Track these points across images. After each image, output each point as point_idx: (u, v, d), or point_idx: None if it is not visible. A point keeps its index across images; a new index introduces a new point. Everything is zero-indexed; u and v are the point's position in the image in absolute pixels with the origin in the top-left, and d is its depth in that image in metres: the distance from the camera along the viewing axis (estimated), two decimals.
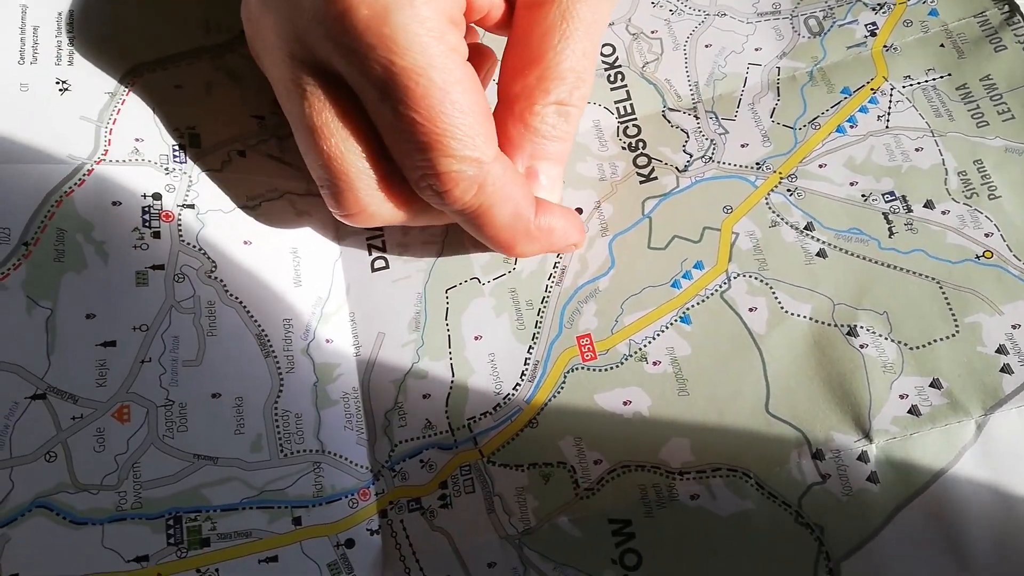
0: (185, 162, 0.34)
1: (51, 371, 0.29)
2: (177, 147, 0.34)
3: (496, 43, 0.33)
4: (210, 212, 0.33)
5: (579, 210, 0.35)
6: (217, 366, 0.31)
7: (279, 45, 0.28)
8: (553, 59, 0.30)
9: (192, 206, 0.33)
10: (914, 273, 0.31)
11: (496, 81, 0.32)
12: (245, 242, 0.33)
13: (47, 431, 0.28)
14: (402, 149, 0.28)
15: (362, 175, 0.29)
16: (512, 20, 0.31)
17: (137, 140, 0.33)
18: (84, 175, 0.32)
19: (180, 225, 0.33)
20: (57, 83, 0.33)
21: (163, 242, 0.32)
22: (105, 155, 0.32)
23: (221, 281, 0.32)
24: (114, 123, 0.33)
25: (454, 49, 0.27)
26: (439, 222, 0.33)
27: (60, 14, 0.34)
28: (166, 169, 0.33)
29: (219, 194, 0.34)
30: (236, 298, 0.32)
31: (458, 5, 0.28)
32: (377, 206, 0.30)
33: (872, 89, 0.34)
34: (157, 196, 0.33)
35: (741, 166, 0.34)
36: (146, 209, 0.32)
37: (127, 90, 0.34)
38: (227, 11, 0.37)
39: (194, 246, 0.32)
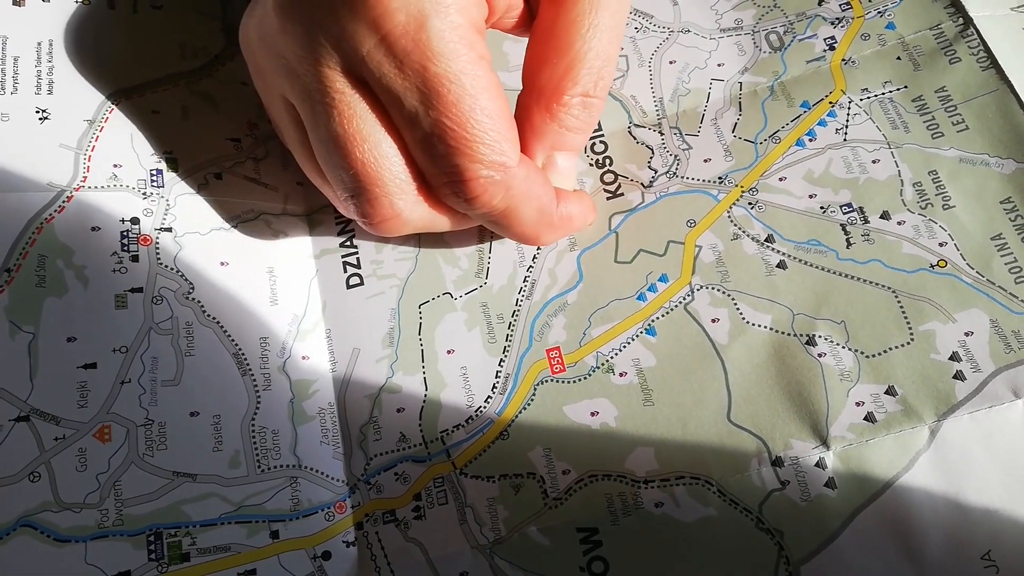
0: (163, 186, 0.35)
1: (34, 394, 0.30)
2: (155, 171, 0.35)
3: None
4: (187, 234, 0.34)
5: None
6: (195, 385, 0.32)
7: (305, 55, 0.28)
8: (581, 48, 0.30)
9: (170, 229, 0.34)
10: (871, 283, 0.32)
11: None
12: (222, 263, 0.34)
13: (31, 452, 0.29)
14: (430, 156, 0.28)
15: (395, 179, 0.29)
16: (537, 12, 0.31)
17: (115, 166, 0.34)
18: (64, 202, 0.32)
19: (158, 248, 0.33)
20: (37, 112, 0.34)
21: (141, 265, 0.33)
22: (84, 182, 0.33)
23: (199, 302, 0.33)
24: (93, 150, 0.34)
25: (482, 56, 0.28)
26: (467, 225, 0.33)
27: (40, 44, 0.35)
28: (144, 194, 0.34)
29: (196, 216, 0.35)
30: (213, 318, 0.33)
31: (482, 13, 0.29)
32: (410, 211, 0.30)
33: (831, 103, 0.35)
34: (135, 220, 0.34)
35: (704, 181, 0.35)
36: (124, 233, 0.33)
37: (105, 117, 0.35)
38: (202, 36, 0.38)
39: (172, 268, 0.33)
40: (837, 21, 0.37)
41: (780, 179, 0.34)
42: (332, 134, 0.29)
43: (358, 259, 0.36)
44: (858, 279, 0.32)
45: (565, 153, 0.33)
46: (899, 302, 0.31)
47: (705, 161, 0.35)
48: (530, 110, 0.31)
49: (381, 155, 0.29)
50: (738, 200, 0.34)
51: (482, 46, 0.28)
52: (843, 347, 0.31)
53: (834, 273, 0.32)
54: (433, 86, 0.27)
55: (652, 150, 0.36)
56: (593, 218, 0.35)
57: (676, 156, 0.36)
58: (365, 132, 0.29)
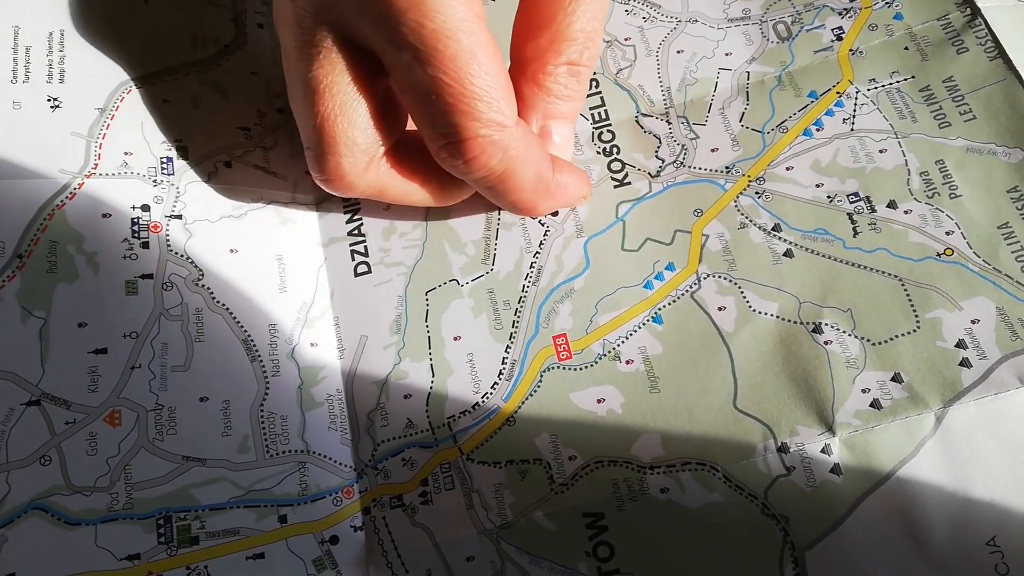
0: (173, 174, 0.35)
1: (45, 378, 0.30)
2: (165, 159, 0.35)
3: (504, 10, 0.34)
4: (197, 222, 0.34)
5: (555, 212, 0.36)
6: (205, 371, 0.32)
7: (306, 5, 0.29)
8: (564, 20, 0.31)
9: (180, 217, 0.34)
10: (877, 271, 0.32)
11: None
12: (231, 250, 0.35)
13: (42, 436, 0.30)
14: (427, 115, 0.29)
15: (349, 142, 0.30)
16: None
17: (126, 154, 0.34)
18: (75, 189, 0.33)
19: (168, 235, 0.34)
20: (49, 100, 0.34)
21: (152, 252, 0.33)
22: (95, 169, 0.33)
23: (208, 289, 0.33)
24: (104, 138, 0.34)
25: (479, 15, 0.28)
26: (416, 201, 0.34)
27: (51, 33, 0.35)
28: (154, 181, 0.34)
29: (206, 204, 0.35)
30: (223, 305, 0.33)
31: None
32: (358, 176, 0.31)
33: (838, 92, 0.35)
34: (146, 208, 0.34)
35: (711, 170, 0.35)
36: (135, 220, 0.33)
37: (116, 105, 0.35)
38: (213, 25, 0.38)
39: (182, 255, 0.34)
40: (845, 11, 0.37)
41: (787, 168, 0.35)
42: (305, 84, 0.30)
43: (366, 247, 0.36)
44: (865, 267, 0.32)
45: (560, 123, 0.34)
46: (905, 290, 0.32)
47: (712, 150, 0.36)
48: (517, 82, 0.32)
49: (343, 115, 0.30)
50: (745, 189, 0.35)
51: (478, 4, 0.28)
52: (849, 335, 0.31)
53: (841, 262, 0.33)
54: (430, 43, 0.27)
55: (659, 139, 0.36)
56: (588, 191, 0.35)
57: (683, 145, 0.36)
58: (336, 90, 0.29)
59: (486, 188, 0.31)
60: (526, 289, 0.35)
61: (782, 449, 0.30)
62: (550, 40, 0.31)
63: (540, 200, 0.33)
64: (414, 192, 0.33)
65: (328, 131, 0.30)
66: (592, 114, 0.37)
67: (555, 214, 0.36)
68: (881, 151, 0.34)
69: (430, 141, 0.30)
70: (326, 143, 0.30)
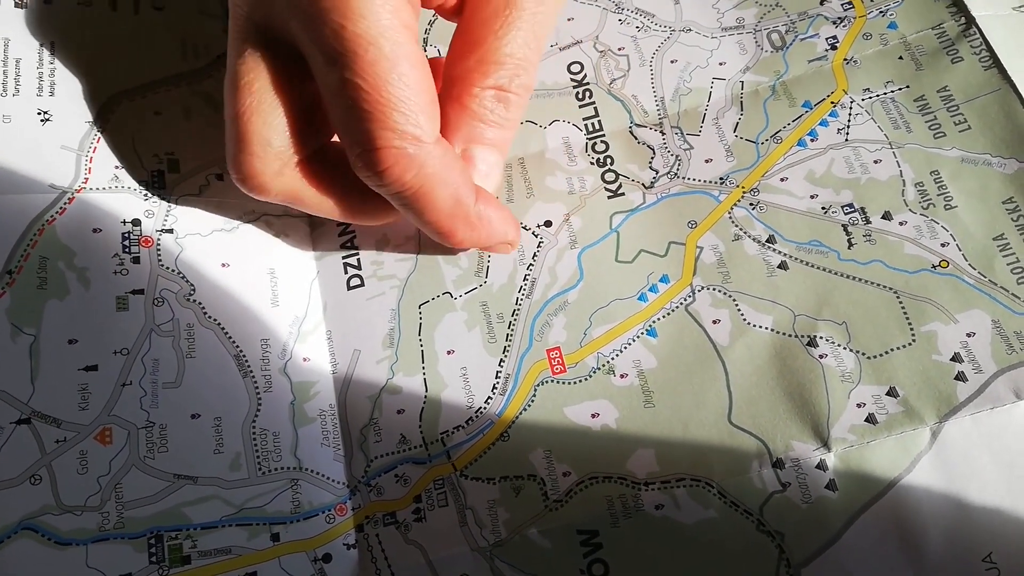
0: (164, 187, 0.35)
1: (35, 396, 0.30)
2: (156, 173, 0.35)
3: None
4: (188, 236, 0.34)
5: (548, 223, 0.36)
6: (196, 387, 0.32)
7: (241, 2, 0.29)
8: (494, 43, 0.30)
9: (171, 231, 0.34)
10: (872, 284, 0.32)
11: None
12: (223, 265, 0.34)
13: (32, 455, 0.29)
14: (344, 120, 0.28)
15: (263, 142, 0.30)
16: (462, 6, 0.31)
17: (116, 167, 0.34)
18: (65, 203, 0.33)
19: (159, 250, 0.33)
20: (39, 114, 0.34)
21: (143, 267, 0.33)
22: (86, 183, 0.33)
23: (200, 304, 0.33)
24: (94, 151, 0.34)
25: (407, 26, 0.27)
26: (331, 214, 0.33)
27: (41, 46, 0.35)
28: (145, 195, 0.34)
29: (197, 218, 0.35)
30: (215, 320, 0.33)
31: None
32: (269, 179, 0.30)
33: (832, 102, 0.35)
34: (136, 222, 0.34)
35: (705, 181, 0.35)
36: (126, 235, 0.33)
37: (107, 119, 0.35)
38: (204, 36, 0.38)
39: (173, 270, 0.33)
40: (839, 20, 0.37)
41: (782, 179, 0.34)
42: (230, 80, 0.30)
43: (359, 260, 0.36)
44: (860, 280, 0.32)
45: (485, 150, 0.32)
46: (901, 303, 0.31)
47: (706, 161, 0.35)
48: (444, 102, 0.31)
49: (259, 113, 0.29)
50: (739, 201, 0.34)
51: (410, 16, 0.28)
52: (844, 348, 0.31)
53: (835, 274, 0.32)
54: (349, 46, 0.26)
55: (653, 150, 0.36)
56: (517, 240, 0.35)
57: (677, 156, 0.36)
58: (256, 88, 0.29)
59: (402, 206, 0.30)
60: (520, 302, 0.35)
61: (777, 464, 0.30)
62: (478, 62, 0.30)
63: (459, 227, 0.31)
64: (332, 205, 0.33)
65: (243, 127, 0.29)
66: (586, 124, 0.37)
67: (548, 224, 0.35)
68: (876, 161, 0.34)
69: (348, 149, 0.29)
70: (240, 139, 0.30)
